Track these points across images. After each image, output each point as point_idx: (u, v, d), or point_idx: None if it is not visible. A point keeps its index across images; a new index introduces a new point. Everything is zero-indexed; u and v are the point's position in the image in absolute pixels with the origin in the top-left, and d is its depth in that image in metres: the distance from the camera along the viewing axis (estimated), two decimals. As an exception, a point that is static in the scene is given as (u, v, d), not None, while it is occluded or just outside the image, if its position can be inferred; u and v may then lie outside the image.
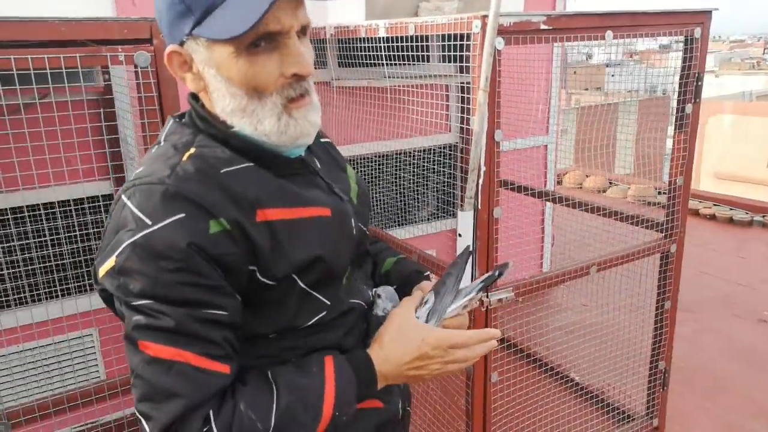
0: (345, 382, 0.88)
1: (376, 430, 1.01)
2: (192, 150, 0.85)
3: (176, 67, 0.87)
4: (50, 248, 2.28)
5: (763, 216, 5.60)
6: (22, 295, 2.36)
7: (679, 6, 2.22)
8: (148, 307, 0.78)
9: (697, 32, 2.17)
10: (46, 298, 2.33)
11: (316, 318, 0.92)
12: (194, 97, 0.92)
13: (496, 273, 1.01)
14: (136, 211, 0.79)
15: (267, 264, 0.84)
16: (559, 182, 7.20)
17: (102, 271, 0.81)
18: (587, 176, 7.07)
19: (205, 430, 0.78)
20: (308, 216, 0.90)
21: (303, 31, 0.86)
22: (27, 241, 2.27)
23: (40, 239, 2.28)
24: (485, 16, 1.72)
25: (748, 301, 3.97)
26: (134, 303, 0.78)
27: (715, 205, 5.99)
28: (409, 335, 0.93)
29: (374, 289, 1.05)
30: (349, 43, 2.65)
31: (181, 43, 0.85)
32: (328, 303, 0.94)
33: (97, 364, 2.52)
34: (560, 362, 2.95)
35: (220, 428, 0.78)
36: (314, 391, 0.86)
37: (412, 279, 1.11)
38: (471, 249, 1.02)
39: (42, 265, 2.34)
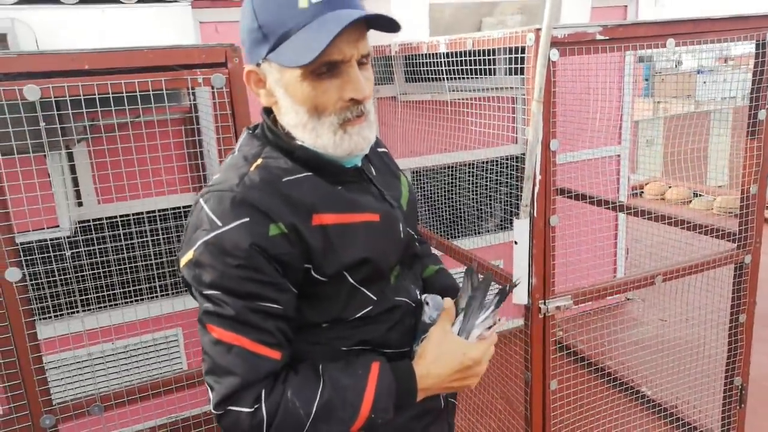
0: (385, 390, 0.98)
1: (417, 419, 1.09)
2: (259, 161, 0.98)
3: (253, 84, 1.00)
4: (140, 254, 2.51)
5: None
6: (120, 295, 2.61)
7: (747, 10, 2.16)
8: (215, 296, 0.91)
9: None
10: (138, 300, 2.57)
11: (363, 312, 1.03)
12: (267, 111, 1.05)
13: (507, 288, 1.09)
14: (210, 213, 0.92)
15: (320, 263, 0.95)
16: (641, 193, 6.96)
17: (183, 262, 0.95)
18: (669, 187, 6.80)
19: (256, 406, 0.91)
20: (359, 221, 1.00)
21: (364, 58, 0.96)
22: (120, 245, 2.51)
23: (130, 246, 2.52)
24: (539, 29, 1.77)
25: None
26: (205, 292, 0.92)
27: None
28: (452, 350, 1.04)
29: (423, 296, 1.13)
30: (416, 59, 2.75)
31: (258, 64, 0.97)
32: (375, 299, 1.04)
33: (180, 360, 2.74)
34: (629, 375, 2.88)
35: (269, 407, 0.91)
36: (355, 392, 0.96)
37: (448, 294, 1.18)
38: (485, 276, 1.13)
39: (130, 269, 2.58)
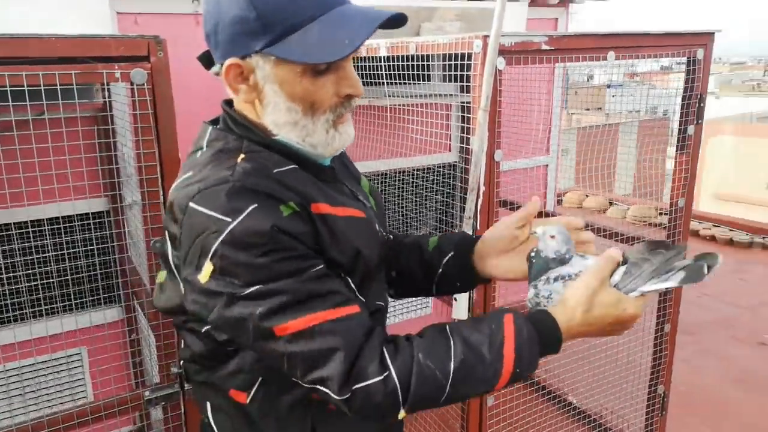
0: (526, 342, 0.90)
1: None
2: (243, 153, 0.91)
3: (232, 78, 0.91)
4: (41, 265, 2.25)
5: (763, 237, 5.57)
6: (12, 313, 2.32)
7: (681, 27, 2.21)
8: (258, 292, 0.82)
9: (700, 53, 2.16)
10: (34, 316, 2.29)
11: None
12: (228, 103, 0.98)
13: (705, 267, 0.93)
14: (211, 213, 0.83)
15: (325, 250, 0.90)
16: (560, 202, 7.17)
17: (203, 278, 0.84)
18: (587, 196, 7.06)
19: (385, 374, 0.83)
20: (349, 215, 0.96)
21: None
22: (15, 260, 2.24)
23: (28, 254, 2.25)
24: (486, 36, 1.71)
25: (748, 324, 3.93)
26: (245, 293, 0.82)
27: (714, 226, 5.97)
28: (610, 302, 0.94)
29: (539, 229, 1.03)
30: (355, 62, 2.64)
31: (243, 57, 0.88)
32: (364, 301, 0.98)
33: (84, 387, 2.46)
34: (558, 385, 2.90)
35: (399, 372, 0.84)
36: (493, 348, 0.88)
37: (466, 240, 1.16)
38: (677, 248, 0.99)
39: (30, 283, 2.30)
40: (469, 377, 0.87)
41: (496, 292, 2.00)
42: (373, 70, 2.35)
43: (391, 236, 1.21)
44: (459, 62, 2.14)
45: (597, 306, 0.93)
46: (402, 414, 0.85)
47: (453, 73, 2.12)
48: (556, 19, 3.67)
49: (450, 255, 1.14)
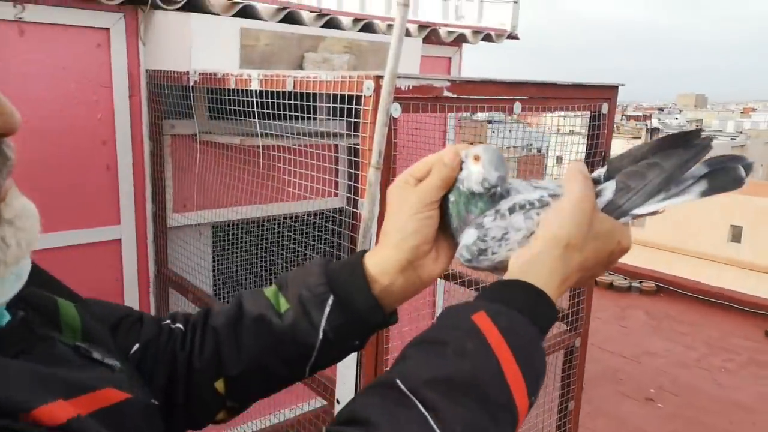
0: (526, 347, 0.55)
1: None
2: None
3: None
4: None
5: (640, 282, 5.75)
6: None
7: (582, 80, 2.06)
8: None
9: (605, 108, 2.00)
10: None
11: None
12: None
13: (741, 169, 0.62)
14: None
15: None
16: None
17: None
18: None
19: None
20: (99, 407, 0.49)
21: None
22: None
23: None
24: (379, 77, 1.40)
25: (633, 377, 3.91)
26: None
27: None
28: (605, 235, 0.64)
29: (462, 152, 0.72)
30: (222, 93, 2.25)
31: None
32: None
33: None
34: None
35: None
36: (493, 385, 0.51)
37: (348, 269, 0.70)
38: (700, 141, 0.64)
39: None
40: None
41: (389, 343, 1.66)
42: (246, 106, 1.97)
43: (181, 326, 0.74)
44: (347, 105, 1.83)
45: (591, 242, 0.63)
46: None
47: (342, 107, 1.79)
48: (450, 58, 3.50)
49: (330, 303, 0.69)
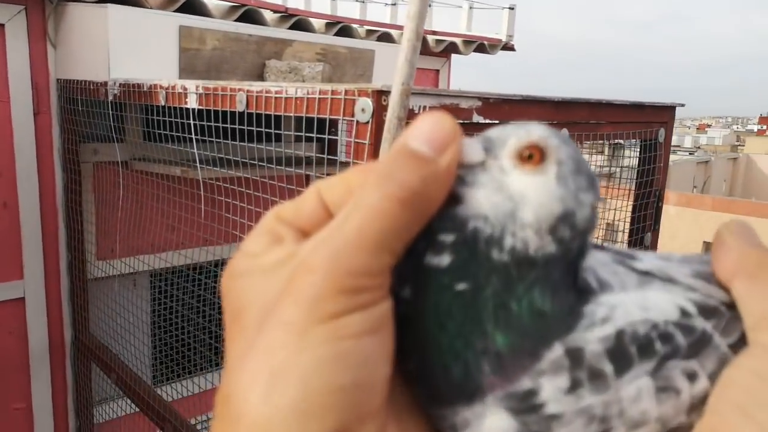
0: None
1: None
2: None
3: None
4: None
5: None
6: None
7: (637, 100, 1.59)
8: None
9: (661, 135, 1.53)
10: None
11: None
12: None
13: None
14: None
15: None
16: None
17: None
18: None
19: None
20: None
21: None
22: None
23: None
24: (381, 93, 0.89)
25: None
26: None
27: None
28: None
29: (485, 134, 0.29)
30: (161, 109, 1.71)
31: None
32: None
33: None
34: None
35: None
36: None
37: None
38: None
39: None
40: None
41: None
42: (187, 129, 1.44)
43: None
44: (323, 132, 1.31)
45: None
46: None
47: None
48: (437, 71, 3.01)
49: None
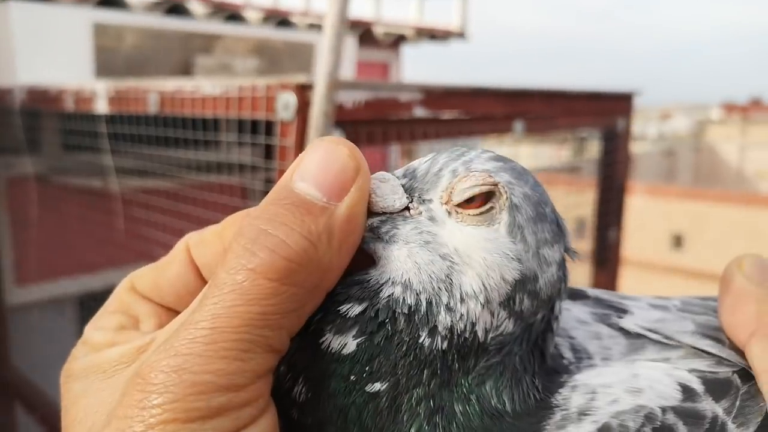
0: None
1: None
2: None
3: None
4: None
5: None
6: None
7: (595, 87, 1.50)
8: None
9: (620, 124, 1.45)
10: None
11: None
12: None
13: None
14: None
15: None
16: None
17: None
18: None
19: None
20: None
21: None
22: None
23: None
24: (303, 87, 0.76)
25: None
26: None
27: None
28: None
29: (406, 167, 0.24)
30: (80, 117, 1.53)
31: None
32: None
33: None
34: None
35: None
36: None
37: None
38: None
39: None
40: None
41: None
42: (92, 137, 1.28)
43: None
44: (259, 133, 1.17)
45: None
46: None
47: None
48: (386, 64, 2.89)
49: None
